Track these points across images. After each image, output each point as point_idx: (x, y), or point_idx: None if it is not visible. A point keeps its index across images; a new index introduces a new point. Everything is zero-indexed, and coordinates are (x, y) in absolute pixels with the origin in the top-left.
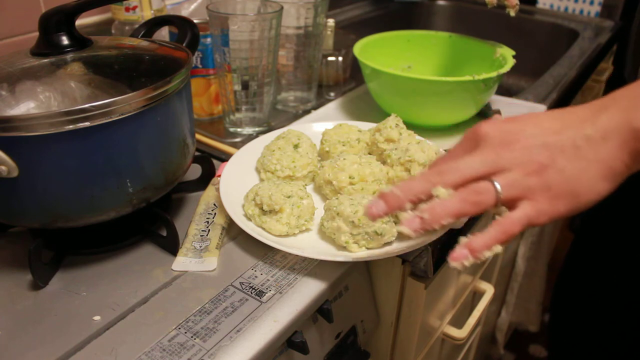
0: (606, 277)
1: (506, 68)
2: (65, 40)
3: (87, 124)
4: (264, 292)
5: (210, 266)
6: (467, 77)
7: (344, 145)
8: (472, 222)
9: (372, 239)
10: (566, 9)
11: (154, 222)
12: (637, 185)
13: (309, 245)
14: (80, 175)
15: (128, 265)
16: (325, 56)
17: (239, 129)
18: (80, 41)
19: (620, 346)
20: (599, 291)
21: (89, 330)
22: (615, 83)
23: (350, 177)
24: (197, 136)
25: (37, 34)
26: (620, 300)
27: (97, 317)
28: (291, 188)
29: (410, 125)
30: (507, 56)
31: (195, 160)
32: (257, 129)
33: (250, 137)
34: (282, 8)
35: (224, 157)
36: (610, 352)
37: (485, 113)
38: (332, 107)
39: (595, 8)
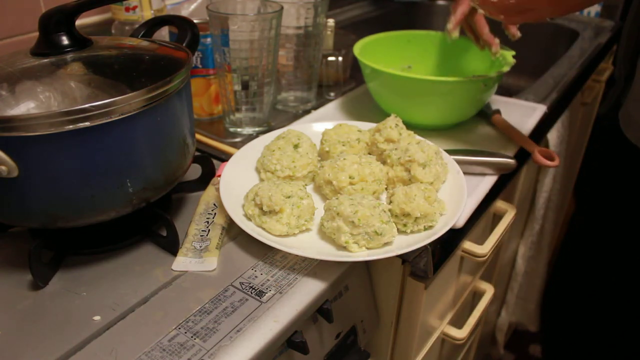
0: (602, 274)
1: (506, 68)
2: (65, 40)
3: (87, 124)
4: (264, 292)
5: (210, 266)
6: (467, 77)
7: (344, 145)
8: (473, 222)
9: (372, 239)
10: None
11: (154, 222)
12: (634, 183)
13: (309, 245)
14: (80, 175)
15: (128, 265)
16: (325, 56)
17: (239, 129)
18: (80, 41)
19: (616, 344)
20: (593, 288)
21: (89, 330)
22: (615, 83)
23: (350, 177)
24: (197, 136)
25: (37, 34)
26: (617, 298)
27: (97, 317)
28: (291, 188)
29: (410, 125)
30: (507, 56)
31: (195, 160)
32: (257, 129)
33: (250, 137)
34: (282, 8)
35: (224, 157)
36: (605, 349)
37: (485, 113)
38: (332, 107)
39: (595, 8)
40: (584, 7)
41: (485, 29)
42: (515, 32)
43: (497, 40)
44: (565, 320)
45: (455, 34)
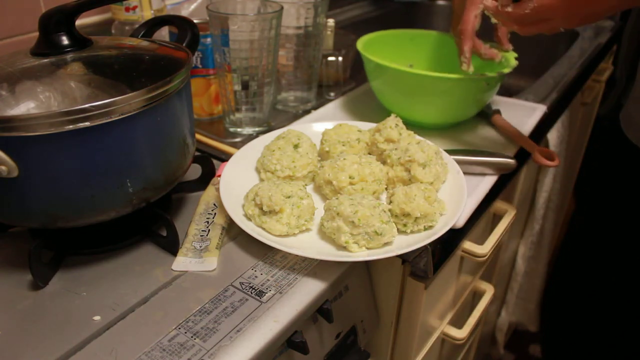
0: (602, 274)
1: (509, 68)
2: (65, 40)
3: (87, 124)
4: (264, 292)
5: (210, 266)
6: (470, 75)
7: (344, 145)
8: (473, 222)
9: (372, 239)
10: None
11: (154, 222)
12: (634, 183)
13: (309, 245)
14: (80, 175)
15: (128, 265)
16: (325, 56)
17: (239, 129)
18: (80, 41)
19: (616, 344)
20: (593, 288)
21: (89, 330)
22: (615, 83)
23: (350, 177)
24: (197, 136)
25: (37, 34)
26: (617, 298)
27: (97, 317)
28: (291, 188)
29: (411, 124)
30: (509, 57)
31: (195, 160)
32: (257, 129)
33: (250, 137)
34: (282, 8)
35: (224, 157)
36: (605, 349)
37: (485, 113)
38: (332, 107)
39: None
40: (599, 19)
41: (482, 48)
42: (508, 46)
43: (496, 51)
44: (565, 320)
45: (471, 69)
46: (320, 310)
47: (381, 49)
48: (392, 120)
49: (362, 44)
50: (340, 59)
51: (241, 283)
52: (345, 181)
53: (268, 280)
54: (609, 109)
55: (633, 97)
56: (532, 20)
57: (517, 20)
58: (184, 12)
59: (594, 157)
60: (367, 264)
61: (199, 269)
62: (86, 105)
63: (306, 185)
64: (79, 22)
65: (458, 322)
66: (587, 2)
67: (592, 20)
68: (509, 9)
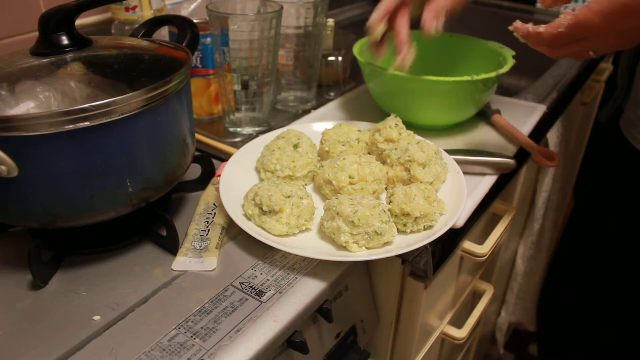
0: (601, 274)
1: (506, 68)
2: (65, 40)
3: (87, 124)
4: (264, 292)
5: (210, 266)
6: (466, 78)
7: (344, 145)
8: (473, 222)
9: (372, 239)
10: (566, 8)
11: (154, 222)
12: (633, 183)
13: (309, 245)
14: (80, 175)
15: (128, 265)
16: (325, 56)
17: (239, 129)
18: (80, 41)
19: (615, 344)
20: (593, 288)
21: (89, 330)
22: (615, 83)
23: (350, 177)
24: (197, 136)
25: (37, 34)
26: (616, 298)
27: (97, 317)
28: (291, 188)
29: (410, 125)
30: (507, 56)
31: (195, 160)
32: (257, 129)
33: (250, 137)
34: (282, 8)
35: (224, 157)
36: (604, 349)
37: (485, 113)
38: (332, 107)
39: None
40: (635, 42)
41: (402, 33)
42: (435, 26)
43: (405, 50)
44: (563, 319)
45: (378, 30)
46: (320, 310)
47: None
48: (392, 121)
49: (359, 48)
50: (340, 59)
51: (241, 283)
52: (345, 181)
53: (268, 280)
54: (610, 115)
55: (633, 102)
56: (565, 41)
57: (549, 41)
58: (184, 12)
59: (593, 157)
60: (367, 264)
61: (199, 269)
62: (86, 105)
63: (306, 185)
64: (79, 22)
65: (458, 322)
66: (626, 16)
67: (628, 41)
68: (541, 29)
